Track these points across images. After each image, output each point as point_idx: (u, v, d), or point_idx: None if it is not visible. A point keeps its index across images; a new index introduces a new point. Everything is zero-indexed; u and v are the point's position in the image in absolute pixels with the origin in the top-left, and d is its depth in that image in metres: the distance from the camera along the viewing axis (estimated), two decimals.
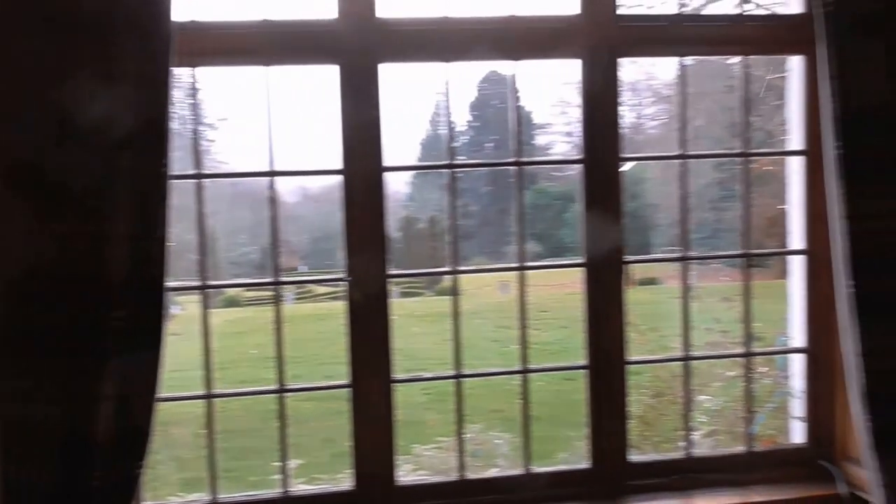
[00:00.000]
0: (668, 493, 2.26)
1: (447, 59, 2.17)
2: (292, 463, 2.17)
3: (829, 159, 1.95)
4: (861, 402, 1.94)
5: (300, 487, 2.24)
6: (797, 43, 2.25)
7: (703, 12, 3.77)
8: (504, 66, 2.34)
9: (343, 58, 2.10)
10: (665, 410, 4.08)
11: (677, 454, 2.35)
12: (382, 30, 2.11)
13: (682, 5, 2.32)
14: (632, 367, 2.30)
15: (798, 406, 2.43)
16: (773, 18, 2.41)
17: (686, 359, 2.31)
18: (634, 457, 2.31)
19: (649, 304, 6.30)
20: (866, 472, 2.00)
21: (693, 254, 2.35)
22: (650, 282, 10.99)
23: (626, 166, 2.31)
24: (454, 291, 2.25)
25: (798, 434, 2.43)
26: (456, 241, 2.25)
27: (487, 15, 2.19)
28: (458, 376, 2.23)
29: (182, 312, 5.07)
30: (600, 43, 2.20)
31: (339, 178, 2.13)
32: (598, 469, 2.27)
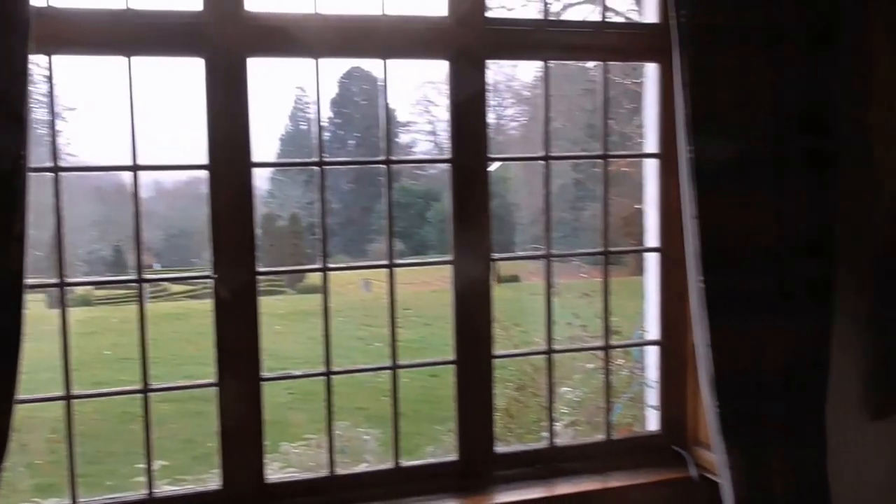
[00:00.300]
0: (533, 482, 2.33)
1: (315, 55, 2.15)
2: (155, 465, 2.09)
3: (682, 162, 2.07)
4: (710, 390, 2.08)
5: (166, 489, 2.16)
6: (653, 51, 2.35)
7: (566, 18, 3.91)
8: (368, 64, 2.36)
9: (209, 51, 2.04)
10: (529, 403, 4.22)
11: (541, 444, 2.43)
12: (250, 23, 2.06)
13: (547, 9, 2.40)
14: (497, 362, 2.36)
15: (653, 395, 2.57)
16: (632, 27, 2.54)
17: (548, 352, 2.40)
18: (500, 448, 2.37)
19: (513, 300, 6.47)
20: (715, 456, 2.14)
21: (555, 251, 2.43)
22: (513, 279, 11.26)
23: (493, 166, 2.36)
24: (323, 289, 2.24)
25: (653, 422, 2.56)
26: (325, 238, 2.23)
27: (357, 13, 2.19)
28: (327, 373, 2.22)
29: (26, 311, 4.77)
30: (467, 45, 2.24)
31: (202, 174, 2.07)
32: (465, 461, 2.32)
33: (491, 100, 2.31)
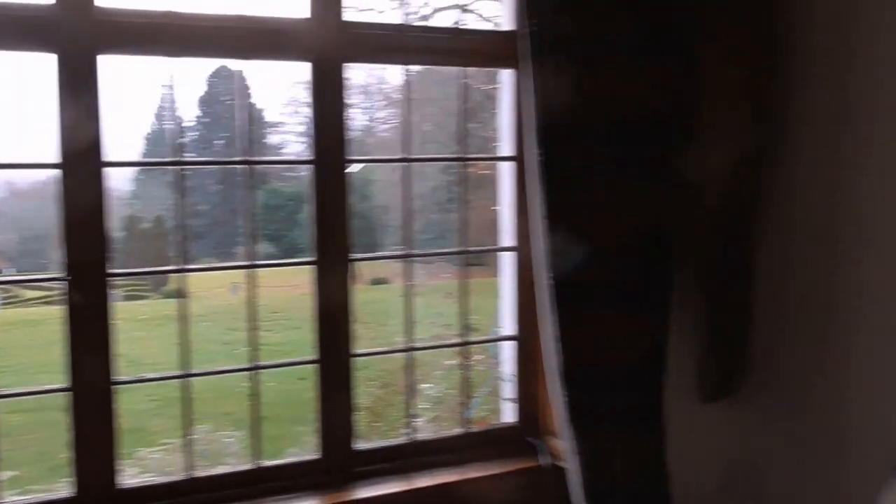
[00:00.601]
0: (393, 477, 2.39)
1: (172, 55, 2.12)
2: (4, 475, 2.01)
3: (532, 165, 2.18)
4: (558, 381, 2.19)
5: (15, 499, 2.08)
6: (509, 58, 2.43)
7: (431, 22, 4.00)
8: (236, 64, 2.35)
9: (61, 47, 1.98)
10: (393, 400, 4.28)
11: (401, 440, 2.49)
12: (102, 20, 2.02)
13: (409, 14, 2.47)
14: (361, 361, 2.40)
15: (509, 389, 2.68)
16: (490, 33, 2.63)
17: (408, 350, 2.46)
18: (361, 445, 2.41)
19: (381, 301, 6.51)
20: (563, 443, 2.26)
21: (416, 252, 2.50)
22: (382, 281, 11.30)
23: (354, 168, 2.40)
24: (180, 291, 2.21)
25: (509, 414, 2.67)
26: (185, 241, 2.21)
27: (215, 12, 2.17)
28: (183, 375, 2.19)
29: None
30: (328, 47, 2.27)
31: (56, 173, 2.01)
32: (326, 459, 2.34)
33: (363, 102, 2.35)
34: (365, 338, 2.80)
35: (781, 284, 2.55)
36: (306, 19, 2.26)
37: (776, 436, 2.60)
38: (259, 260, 2.31)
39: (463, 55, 2.48)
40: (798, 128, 2.50)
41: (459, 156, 2.53)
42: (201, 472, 2.23)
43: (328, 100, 2.29)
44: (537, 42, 2.08)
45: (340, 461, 2.36)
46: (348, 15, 2.30)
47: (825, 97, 2.41)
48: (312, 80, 2.29)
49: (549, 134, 2.10)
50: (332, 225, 2.31)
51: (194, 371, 2.19)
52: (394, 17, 2.97)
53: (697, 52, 2.29)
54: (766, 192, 2.56)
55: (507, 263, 2.64)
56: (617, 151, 2.10)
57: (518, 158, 2.54)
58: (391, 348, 2.62)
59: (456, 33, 2.48)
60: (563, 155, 2.10)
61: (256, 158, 2.28)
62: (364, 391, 3.54)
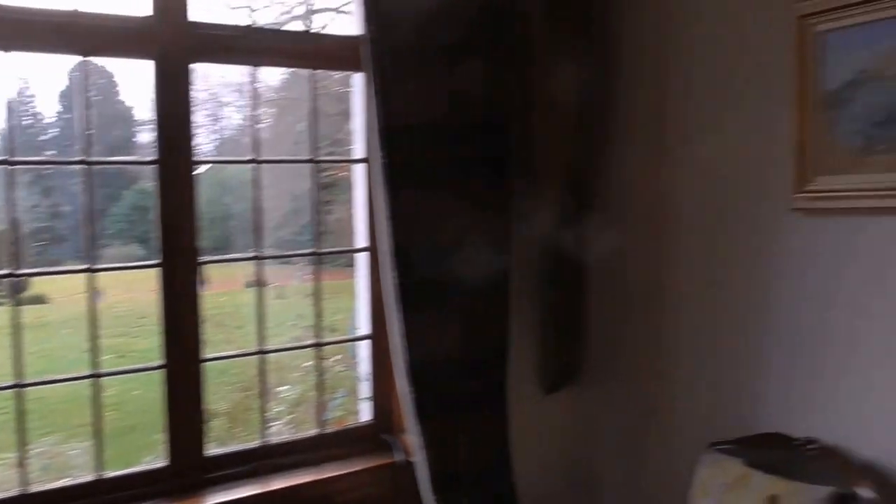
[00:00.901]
0: (246, 481, 2.37)
1: (5, 49, 2.03)
2: None
3: (377, 167, 2.21)
4: (406, 377, 2.24)
5: None
6: (358, 62, 2.47)
7: (286, 25, 3.97)
8: (98, 60, 2.27)
9: None
10: (253, 405, 4.18)
11: (254, 443, 2.48)
12: None
13: (285, 13, 2.45)
14: (220, 365, 2.36)
15: (365, 388, 2.70)
16: (339, 38, 2.64)
17: (260, 352, 2.44)
18: (213, 450, 2.38)
19: (250, 305, 6.35)
20: (411, 438, 2.31)
21: (266, 254, 2.48)
22: (260, 283, 11.04)
23: (201, 169, 2.37)
24: (12, 294, 2.12)
25: (366, 413, 2.70)
26: (18, 242, 2.13)
27: (53, 7, 2.09)
28: (16, 386, 2.10)
29: None
30: (172, 47, 2.23)
31: None
32: (176, 466, 2.30)
33: (237, 101, 2.32)
34: (221, 341, 2.77)
35: (612, 283, 2.71)
36: (149, 17, 2.21)
37: (612, 422, 2.75)
38: (108, 263, 2.24)
39: (313, 58, 2.48)
40: (623, 128, 2.66)
41: (311, 158, 2.53)
42: (38, 487, 2.14)
43: (172, 100, 2.25)
44: (377, 48, 2.12)
45: (191, 468, 2.32)
46: (195, 14, 2.27)
47: (646, 97, 2.58)
48: (156, 79, 2.24)
49: (390, 136, 2.13)
50: (178, 227, 2.27)
51: (29, 381, 2.11)
52: (251, 17, 2.93)
53: (530, 58, 2.39)
54: (596, 190, 2.71)
55: (362, 263, 2.66)
56: (455, 153, 2.17)
57: (369, 160, 2.56)
58: (242, 351, 2.59)
59: (306, 36, 2.48)
60: (405, 157, 2.14)
61: (94, 159, 2.20)
62: (224, 396, 3.48)
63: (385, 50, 2.12)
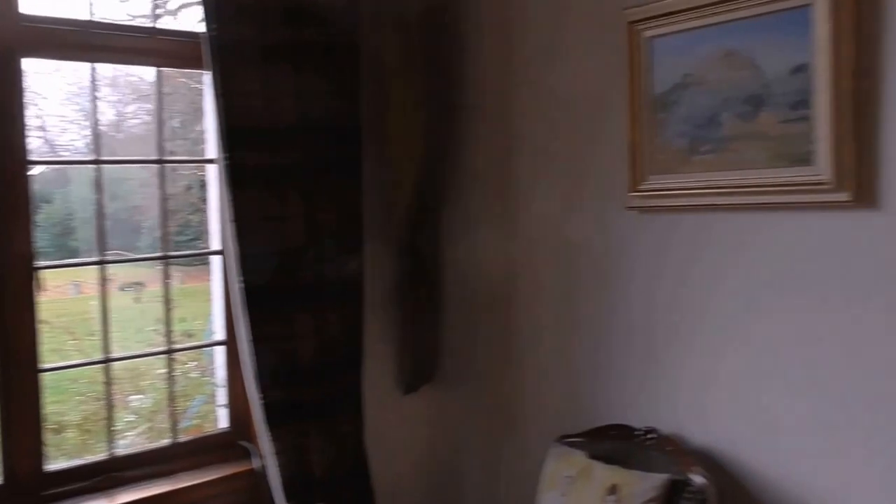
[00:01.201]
0: (90, 496, 2.27)
1: None
2: None
3: (219, 168, 2.16)
4: (255, 382, 2.20)
5: None
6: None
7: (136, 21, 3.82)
8: None
9: None
10: (106, 415, 4.01)
11: (101, 456, 2.38)
12: None
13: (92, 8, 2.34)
14: (70, 374, 2.25)
15: (222, 394, 2.64)
16: (185, 35, 2.56)
17: (105, 361, 2.35)
18: (54, 465, 2.27)
19: (117, 310, 6.10)
20: (263, 444, 2.27)
21: (109, 258, 2.38)
22: (138, 285, 10.67)
23: (36, 170, 2.26)
24: None
25: (223, 419, 2.64)
26: None
27: None
28: None
29: None
30: (1, 41, 2.11)
31: None
32: (11, 483, 2.18)
33: (110, 95, 2.21)
34: (71, 348, 2.65)
35: (465, 283, 2.75)
36: None
37: (469, 420, 2.79)
38: None
39: (157, 56, 2.39)
40: (469, 130, 2.71)
41: (158, 158, 2.45)
42: None
43: (2, 98, 2.13)
44: (217, 46, 2.07)
45: (28, 485, 2.20)
46: (27, 6, 2.15)
47: (492, 101, 2.63)
48: None
49: (232, 137, 2.09)
50: (9, 231, 2.16)
51: None
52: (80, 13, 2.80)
53: (383, 62, 2.39)
54: (447, 192, 2.74)
55: (216, 267, 2.60)
56: (297, 155, 2.14)
57: (216, 161, 2.50)
58: (85, 360, 2.49)
59: (150, 33, 2.39)
60: (247, 158, 2.10)
61: None
62: (75, 407, 3.33)
63: (224, 49, 2.07)
